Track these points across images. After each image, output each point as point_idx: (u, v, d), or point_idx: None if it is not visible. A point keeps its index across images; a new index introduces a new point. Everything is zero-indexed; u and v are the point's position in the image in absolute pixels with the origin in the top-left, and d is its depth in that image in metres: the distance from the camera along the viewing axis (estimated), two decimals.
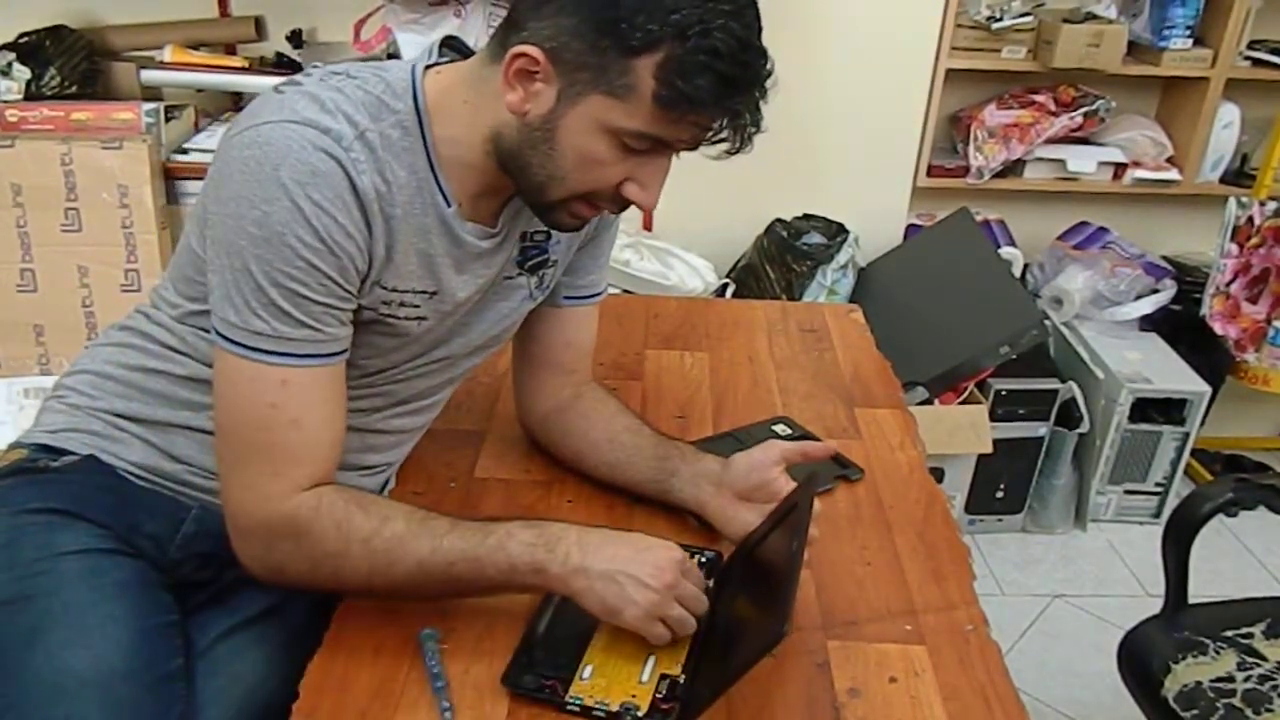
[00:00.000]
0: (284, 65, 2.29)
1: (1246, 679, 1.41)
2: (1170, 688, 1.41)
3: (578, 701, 0.89)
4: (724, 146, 0.91)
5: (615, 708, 0.89)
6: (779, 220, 2.50)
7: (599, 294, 1.22)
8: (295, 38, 2.32)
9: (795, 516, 0.96)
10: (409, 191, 0.94)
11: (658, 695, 0.91)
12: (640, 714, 0.89)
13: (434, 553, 0.92)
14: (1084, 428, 2.50)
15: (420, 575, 0.92)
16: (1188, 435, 2.52)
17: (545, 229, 1.07)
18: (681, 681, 0.92)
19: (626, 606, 0.91)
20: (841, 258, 2.40)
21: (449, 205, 0.97)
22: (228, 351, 0.90)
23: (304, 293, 0.88)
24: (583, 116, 0.88)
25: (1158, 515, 2.62)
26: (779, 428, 1.33)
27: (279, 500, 0.92)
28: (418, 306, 1.00)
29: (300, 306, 0.89)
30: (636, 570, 0.91)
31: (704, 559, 1.07)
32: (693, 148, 0.92)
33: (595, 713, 0.89)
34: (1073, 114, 2.57)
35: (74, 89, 2.11)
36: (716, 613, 0.99)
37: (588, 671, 0.92)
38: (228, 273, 0.88)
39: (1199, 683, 1.41)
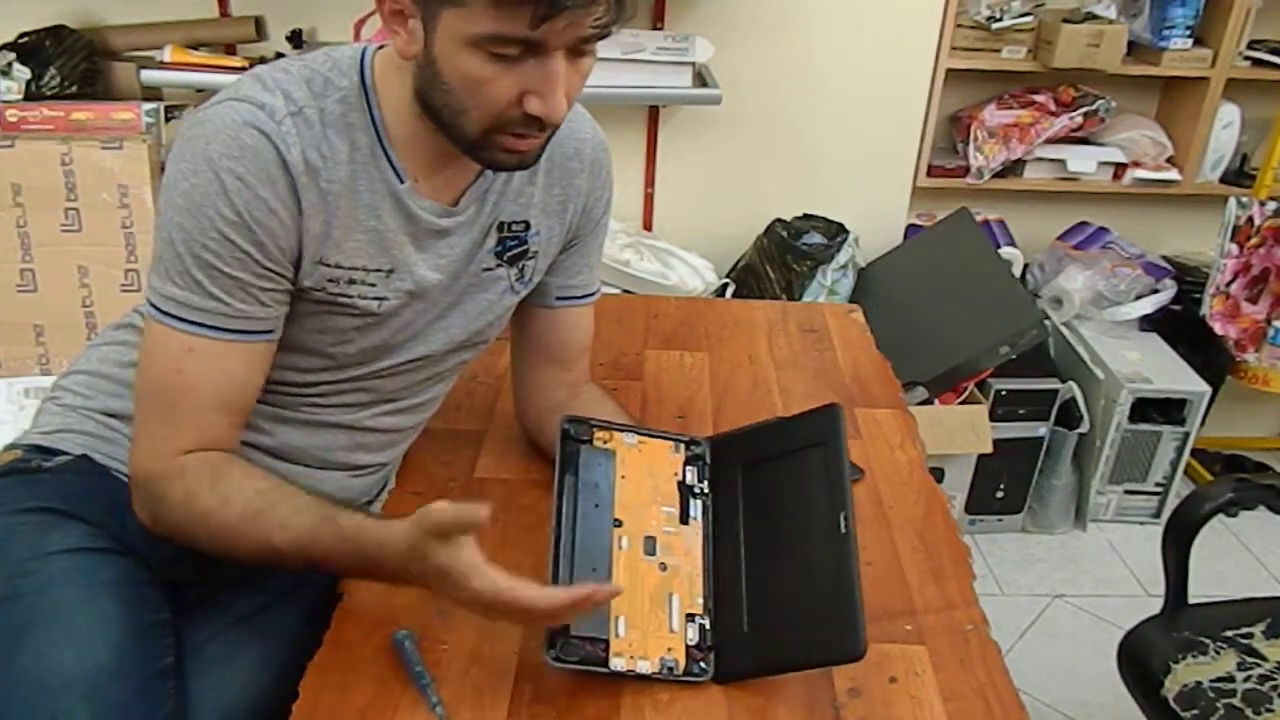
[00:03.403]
0: None
1: (1246, 679, 1.41)
2: (1170, 688, 1.41)
3: (619, 667, 0.90)
4: (598, 19, 0.83)
5: (655, 666, 0.91)
6: (779, 220, 2.50)
7: (592, 294, 1.22)
8: (295, 38, 2.31)
9: (825, 462, 0.98)
10: (351, 166, 0.95)
11: (690, 643, 0.93)
12: (679, 671, 0.91)
13: (266, 546, 0.93)
14: (1084, 428, 2.50)
15: (259, 560, 0.94)
16: (1188, 435, 2.52)
17: (524, 219, 1.07)
18: (708, 626, 0.95)
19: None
20: (841, 258, 2.40)
21: (402, 181, 0.97)
22: (148, 313, 0.94)
23: (217, 265, 0.90)
24: (446, 38, 0.86)
25: (1158, 515, 2.62)
26: None
27: (157, 458, 0.95)
28: (373, 285, 0.99)
29: (212, 278, 0.91)
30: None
31: (694, 448, 1.09)
32: (575, 39, 0.85)
33: (635, 674, 0.90)
34: (1073, 114, 2.57)
35: (74, 89, 2.11)
36: (720, 537, 1.02)
37: (621, 625, 0.93)
38: (159, 240, 0.92)
39: (1199, 683, 1.41)
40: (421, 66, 0.90)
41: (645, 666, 0.91)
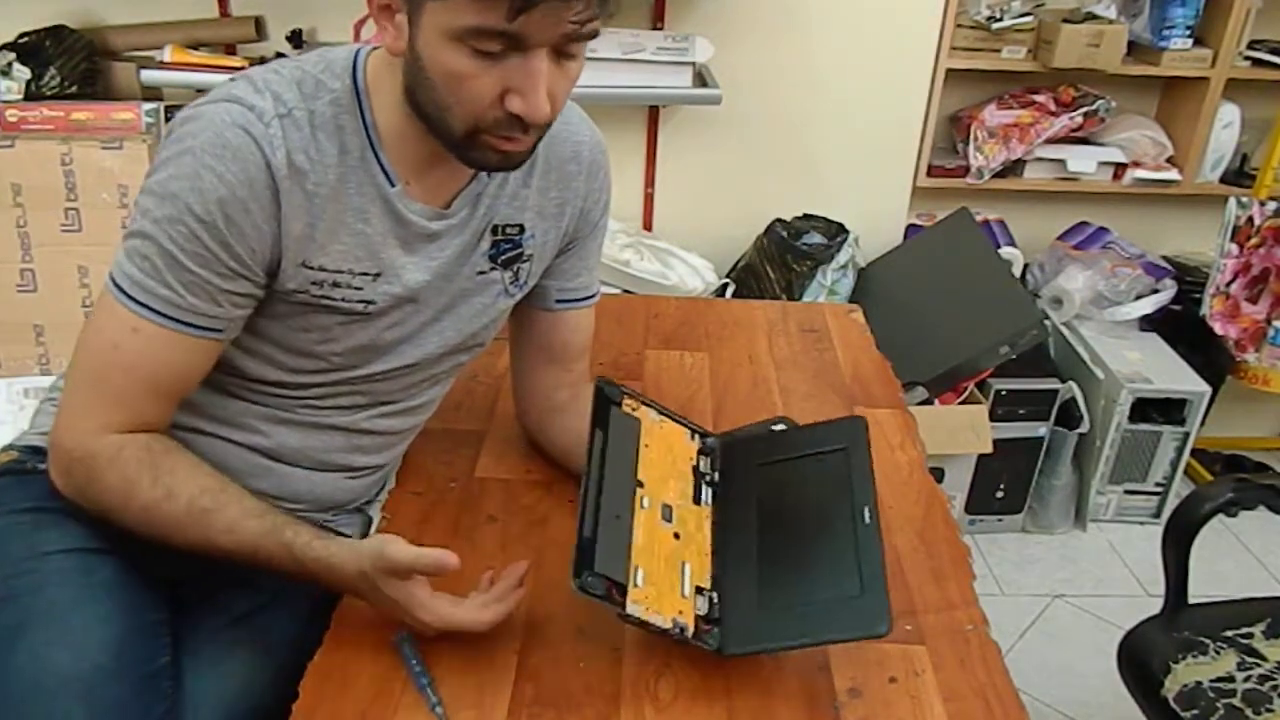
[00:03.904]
0: None
1: (1246, 679, 1.41)
2: (1170, 688, 1.41)
3: (636, 613, 0.91)
4: (578, 13, 0.83)
5: (668, 623, 0.92)
6: (779, 220, 2.50)
7: (592, 296, 1.21)
8: (295, 38, 2.31)
9: (849, 464, 1.00)
10: (340, 169, 0.94)
11: (698, 613, 0.95)
12: (689, 634, 0.92)
13: (208, 544, 0.94)
14: (1084, 428, 2.50)
15: (200, 553, 0.95)
16: (1188, 435, 2.52)
17: (518, 222, 1.07)
18: (714, 600, 0.96)
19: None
20: (841, 258, 2.40)
21: (392, 184, 0.97)
22: (105, 284, 0.94)
23: (179, 256, 0.90)
24: (429, 32, 0.85)
25: (1158, 515, 2.62)
26: (778, 428, 1.33)
27: (86, 435, 0.94)
28: (359, 289, 0.99)
29: (171, 268, 0.90)
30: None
31: (707, 440, 1.12)
32: (557, 36, 0.84)
33: (650, 626, 0.91)
34: (1073, 114, 2.57)
35: (74, 89, 2.11)
36: (729, 524, 1.04)
37: (640, 576, 0.93)
38: (132, 219, 0.92)
39: (1199, 683, 1.41)
40: (408, 62, 0.89)
41: (659, 621, 0.92)
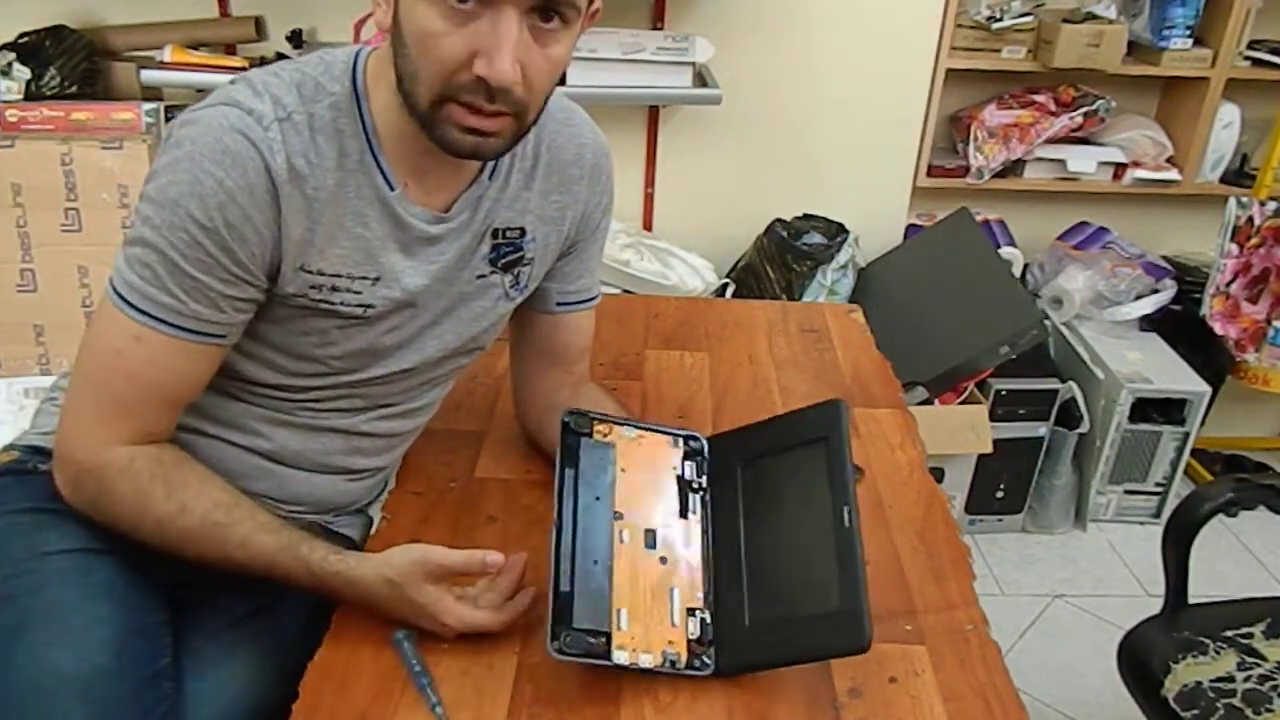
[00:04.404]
0: None
1: (1246, 679, 1.41)
2: (1170, 688, 1.41)
3: (621, 660, 0.90)
4: None
5: (657, 660, 0.91)
6: (779, 220, 2.50)
7: (593, 299, 1.21)
8: (295, 38, 2.31)
9: (828, 457, 0.98)
10: (340, 173, 0.94)
11: (691, 638, 0.94)
12: (681, 665, 0.92)
13: (222, 558, 0.96)
14: (1084, 428, 2.50)
15: (211, 565, 0.96)
16: (1188, 435, 2.52)
17: (519, 225, 1.07)
18: (707, 621, 0.95)
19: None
20: (841, 258, 2.40)
21: (392, 188, 0.96)
22: (105, 291, 0.93)
23: (181, 264, 0.89)
24: None
25: (1158, 515, 2.62)
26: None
27: (96, 446, 0.94)
28: (358, 293, 0.99)
29: (173, 275, 0.90)
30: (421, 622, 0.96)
31: (693, 443, 1.11)
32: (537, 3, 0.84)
33: (635, 669, 0.91)
34: (1073, 114, 2.57)
35: (74, 89, 2.11)
36: (719, 532, 1.03)
37: (623, 619, 0.93)
38: (132, 227, 0.92)
39: (1199, 683, 1.41)
40: (393, 36, 0.88)
41: (647, 660, 0.91)
